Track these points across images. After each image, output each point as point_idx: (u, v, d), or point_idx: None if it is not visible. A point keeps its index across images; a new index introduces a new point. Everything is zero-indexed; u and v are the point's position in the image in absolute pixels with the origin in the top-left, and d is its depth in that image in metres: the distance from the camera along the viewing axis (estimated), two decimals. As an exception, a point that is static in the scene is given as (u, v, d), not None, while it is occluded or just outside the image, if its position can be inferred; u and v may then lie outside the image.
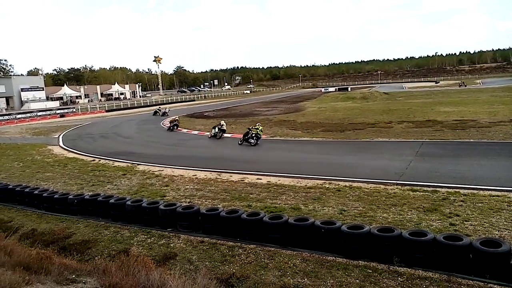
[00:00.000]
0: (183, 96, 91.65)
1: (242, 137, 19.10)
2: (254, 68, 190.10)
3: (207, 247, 7.03)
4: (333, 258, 6.20)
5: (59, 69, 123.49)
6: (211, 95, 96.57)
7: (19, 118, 47.10)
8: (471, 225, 7.06)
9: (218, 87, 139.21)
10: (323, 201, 8.98)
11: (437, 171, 11.09)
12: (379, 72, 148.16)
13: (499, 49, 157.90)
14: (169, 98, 78.46)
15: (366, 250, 6.07)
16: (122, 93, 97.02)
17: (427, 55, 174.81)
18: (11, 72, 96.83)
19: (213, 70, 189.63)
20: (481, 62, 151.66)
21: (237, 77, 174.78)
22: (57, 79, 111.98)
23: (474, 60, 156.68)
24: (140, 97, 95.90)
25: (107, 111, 56.81)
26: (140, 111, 54.52)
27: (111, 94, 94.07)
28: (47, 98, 76.62)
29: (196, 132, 25.12)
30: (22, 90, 70.64)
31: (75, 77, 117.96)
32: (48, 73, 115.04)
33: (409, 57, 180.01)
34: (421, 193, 9.08)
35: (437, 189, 9.28)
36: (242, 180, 11.50)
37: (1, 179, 13.42)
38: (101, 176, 13.31)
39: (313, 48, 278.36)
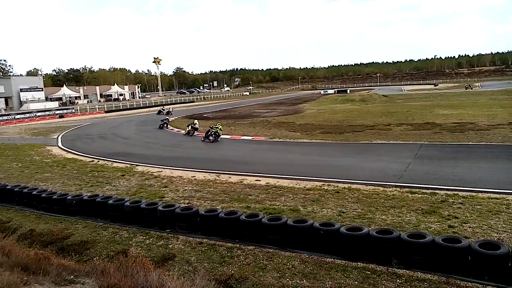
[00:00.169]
0: (182, 98, 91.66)
1: (204, 134, 21.40)
2: (253, 70, 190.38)
3: (205, 248, 7.03)
4: (332, 259, 6.20)
5: (59, 69, 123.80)
6: (210, 96, 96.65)
7: (18, 118, 47.05)
8: (470, 227, 7.06)
9: (217, 89, 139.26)
10: (322, 203, 8.98)
11: (435, 173, 11.10)
12: (378, 75, 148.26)
13: (498, 52, 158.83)
14: (169, 99, 78.39)
15: (365, 252, 6.07)
16: (121, 94, 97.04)
17: (426, 58, 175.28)
18: (11, 72, 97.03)
19: (212, 71, 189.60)
20: (480, 65, 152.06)
21: (236, 79, 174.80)
22: (56, 79, 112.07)
23: (473, 63, 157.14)
24: (139, 98, 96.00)
25: (106, 112, 56.81)
26: (139, 112, 54.58)
27: (111, 95, 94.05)
28: (46, 99, 76.66)
29: (194, 133, 25.06)
30: (21, 90, 70.64)
31: (74, 77, 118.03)
32: (47, 73, 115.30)
33: (408, 60, 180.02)
34: (420, 195, 9.09)
35: (436, 191, 9.29)
36: (241, 182, 11.50)
37: (0, 180, 13.39)
38: (99, 177, 13.30)
39: (312, 50, 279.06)
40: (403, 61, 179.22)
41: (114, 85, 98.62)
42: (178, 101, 77.22)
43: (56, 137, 27.13)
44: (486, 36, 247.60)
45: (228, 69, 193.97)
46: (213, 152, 18.27)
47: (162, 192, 10.81)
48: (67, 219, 9.19)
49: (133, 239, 7.71)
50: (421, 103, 41.07)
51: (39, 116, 49.92)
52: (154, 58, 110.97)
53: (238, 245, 7.04)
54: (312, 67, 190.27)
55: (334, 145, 18.05)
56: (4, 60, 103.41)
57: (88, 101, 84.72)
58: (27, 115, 49.84)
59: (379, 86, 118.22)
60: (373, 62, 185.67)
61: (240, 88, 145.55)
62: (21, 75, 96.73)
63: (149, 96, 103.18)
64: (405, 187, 9.83)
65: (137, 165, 14.98)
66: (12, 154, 19.75)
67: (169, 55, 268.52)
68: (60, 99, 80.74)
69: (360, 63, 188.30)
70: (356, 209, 8.42)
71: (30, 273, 4.89)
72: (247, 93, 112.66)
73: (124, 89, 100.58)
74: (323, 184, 10.58)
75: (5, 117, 46.78)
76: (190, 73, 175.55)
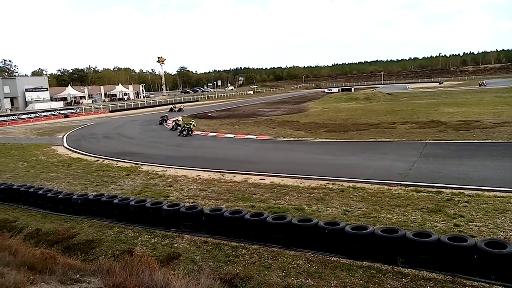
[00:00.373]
0: (187, 97, 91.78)
1: (180, 130, 24.45)
2: (257, 68, 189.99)
3: (210, 247, 7.04)
4: (337, 258, 6.19)
5: (63, 69, 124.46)
6: (214, 95, 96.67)
7: (23, 118, 47.34)
8: (476, 226, 7.02)
9: (221, 88, 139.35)
10: (327, 202, 8.97)
11: (441, 171, 11.04)
12: (382, 73, 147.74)
13: (503, 49, 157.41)
14: (173, 99, 78.56)
15: (370, 251, 6.05)
16: (125, 94, 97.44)
17: (431, 56, 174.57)
18: (16, 72, 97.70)
19: (216, 70, 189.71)
20: (485, 62, 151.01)
21: (240, 78, 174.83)
22: (61, 79, 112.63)
23: (478, 60, 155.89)
24: (143, 97, 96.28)
25: (111, 111, 56.99)
26: (143, 111, 54.71)
27: (115, 95, 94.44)
28: (51, 99, 77.18)
29: (199, 132, 25.13)
30: (27, 90, 71.08)
31: (79, 77, 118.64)
32: (52, 73, 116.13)
33: (412, 58, 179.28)
34: (425, 194, 9.04)
35: (441, 190, 9.23)
36: (245, 181, 11.51)
37: (6, 179, 13.50)
38: (105, 176, 13.36)
39: (316, 49, 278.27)
40: (407, 59, 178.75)
41: (118, 84, 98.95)
42: (183, 101, 77.12)
43: (61, 137, 27.28)
44: (491, 33, 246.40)
45: (232, 68, 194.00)
46: (217, 151, 18.29)
47: (167, 191, 10.84)
48: (72, 219, 9.23)
49: (138, 238, 7.74)
50: (426, 101, 40.84)
51: (44, 116, 50.20)
52: (158, 57, 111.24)
53: (243, 244, 7.04)
54: (316, 66, 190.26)
55: (338, 143, 18.00)
56: (9, 61, 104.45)
57: (92, 101, 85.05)
58: (33, 115, 50.14)
59: (383, 84, 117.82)
60: (377, 60, 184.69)
61: (244, 87, 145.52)
62: (26, 75, 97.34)
63: (153, 95, 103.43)
64: (410, 185, 9.78)
65: (142, 164, 15.04)
66: (18, 154, 19.89)
67: (173, 54, 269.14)
68: (65, 99, 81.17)
69: (364, 61, 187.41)
70: (361, 208, 8.39)
71: (36, 272, 4.92)
72: (251, 92, 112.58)
73: (128, 88, 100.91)
74: (328, 183, 10.56)
75: (11, 117, 47.11)
76: (194, 72, 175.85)
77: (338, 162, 13.86)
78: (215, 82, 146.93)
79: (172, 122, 26.82)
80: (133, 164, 15.20)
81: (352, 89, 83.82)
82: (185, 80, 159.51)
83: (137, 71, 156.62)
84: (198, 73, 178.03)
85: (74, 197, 9.61)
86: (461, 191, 9.04)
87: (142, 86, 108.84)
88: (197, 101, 79.20)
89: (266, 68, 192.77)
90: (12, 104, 68.87)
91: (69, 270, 5.18)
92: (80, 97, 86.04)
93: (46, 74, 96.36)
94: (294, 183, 10.91)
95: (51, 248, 6.98)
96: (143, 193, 10.80)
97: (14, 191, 11.02)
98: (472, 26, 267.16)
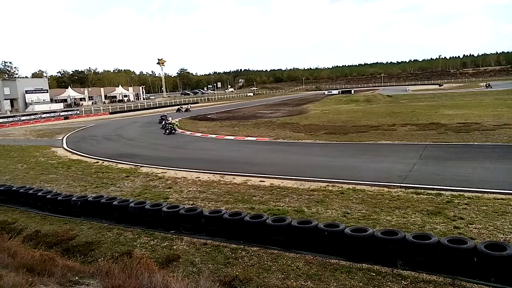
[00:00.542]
0: (187, 99, 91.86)
1: (165, 128, 26.45)
2: (257, 70, 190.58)
3: (210, 250, 7.03)
4: (337, 261, 6.18)
5: (63, 71, 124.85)
6: (214, 97, 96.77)
7: (23, 120, 47.26)
8: (476, 228, 7.01)
9: (221, 90, 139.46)
10: (327, 204, 8.95)
11: (441, 174, 11.03)
12: (382, 75, 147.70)
13: (503, 52, 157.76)
14: (173, 101, 78.59)
15: (370, 253, 6.04)
16: (125, 96, 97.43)
17: (431, 58, 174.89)
18: (16, 74, 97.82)
19: (216, 72, 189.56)
20: (485, 65, 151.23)
21: (240, 80, 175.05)
22: (61, 81, 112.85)
23: (478, 63, 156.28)
24: (143, 99, 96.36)
25: (111, 113, 56.97)
26: (143, 113, 54.68)
27: (115, 97, 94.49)
28: (51, 100, 77.15)
29: (199, 134, 25.16)
30: (27, 92, 71.06)
31: (79, 79, 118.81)
32: (52, 75, 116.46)
33: (412, 60, 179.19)
34: (425, 196, 9.04)
35: (441, 192, 9.22)
36: (245, 183, 11.50)
37: (5, 181, 13.49)
38: (104, 178, 13.35)
39: (316, 51, 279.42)
40: (407, 61, 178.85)
41: (118, 86, 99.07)
42: (183, 102, 77.20)
43: (61, 138, 27.28)
44: (491, 36, 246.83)
45: (232, 70, 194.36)
46: (217, 153, 18.29)
47: (166, 193, 10.83)
48: (72, 220, 9.22)
49: (137, 240, 7.72)
50: (426, 103, 40.86)
51: (44, 117, 50.13)
52: (158, 59, 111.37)
53: (242, 246, 7.03)
54: (316, 68, 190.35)
55: (338, 145, 17.98)
56: (10, 62, 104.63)
57: (92, 103, 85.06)
58: (32, 116, 50.04)
59: (383, 86, 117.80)
60: (377, 63, 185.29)
61: (244, 89, 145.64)
62: (26, 77, 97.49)
63: (153, 97, 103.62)
64: (410, 188, 9.77)
65: (141, 166, 15.03)
66: (17, 156, 19.87)
67: (173, 56, 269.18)
68: (65, 100, 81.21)
69: (364, 64, 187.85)
70: (360, 210, 8.38)
71: (35, 274, 4.91)
72: (251, 94, 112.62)
73: (128, 90, 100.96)
74: (328, 185, 10.55)
75: (11, 119, 47.02)
76: (194, 74, 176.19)
77: (338, 164, 13.85)
78: (215, 84, 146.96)
79: (162, 121, 28.12)
80: (132, 166, 15.19)
81: (352, 91, 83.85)
82: (185, 82, 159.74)
83: (137, 73, 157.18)
84: (198, 75, 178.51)
85: (74, 198, 9.60)
86: (461, 193, 9.03)
87: (142, 88, 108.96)
88: (197, 103, 79.20)
89: (266, 70, 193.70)
90: (12, 105, 68.87)
91: (68, 272, 5.18)
92: (80, 99, 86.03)
93: (46, 76, 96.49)
94: (294, 185, 10.90)
95: (50, 250, 6.97)
96: (143, 195, 10.79)
97: (13, 193, 10.99)
98: (472, 29, 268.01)
